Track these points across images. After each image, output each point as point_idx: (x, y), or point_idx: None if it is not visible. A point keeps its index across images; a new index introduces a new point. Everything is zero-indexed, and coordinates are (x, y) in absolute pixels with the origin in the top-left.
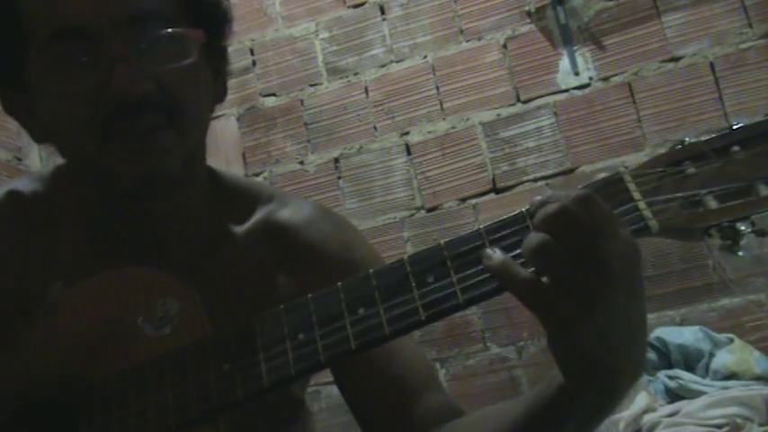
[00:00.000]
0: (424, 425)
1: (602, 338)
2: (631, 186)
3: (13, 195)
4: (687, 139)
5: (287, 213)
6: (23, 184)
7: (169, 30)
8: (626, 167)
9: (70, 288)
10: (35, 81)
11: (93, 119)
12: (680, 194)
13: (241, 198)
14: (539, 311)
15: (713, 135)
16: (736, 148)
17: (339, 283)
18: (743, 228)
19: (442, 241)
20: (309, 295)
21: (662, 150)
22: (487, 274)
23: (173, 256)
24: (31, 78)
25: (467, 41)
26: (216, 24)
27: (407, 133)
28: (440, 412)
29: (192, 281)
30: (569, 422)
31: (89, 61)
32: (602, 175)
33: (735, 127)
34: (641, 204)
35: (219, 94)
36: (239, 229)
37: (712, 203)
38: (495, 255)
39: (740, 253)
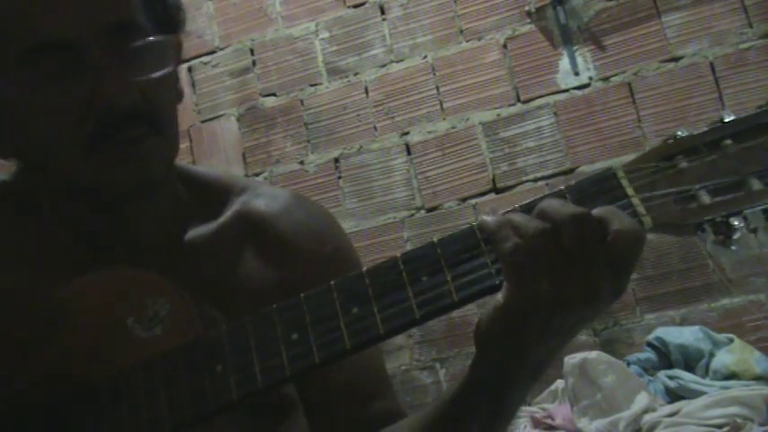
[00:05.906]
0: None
1: (546, 327)
2: (624, 182)
3: None
4: (679, 133)
5: (261, 204)
6: None
7: (151, 38)
8: None
9: (55, 290)
10: (6, 94)
11: (81, 131)
12: (673, 190)
13: (214, 192)
14: (514, 279)
15: (705, 129)
16: (728, 142)
17: (332, 282)
18: (736, 222)
19: (435, 239)
20: (302, 295)
21: (655, 145)
22: (482, 272)
23: (149, 256)
24: (1, 92)
25: (467, 41)
26: (176, 27)
27: (407, 133)
28: (385, 420)
29: (173, 279)
30: (479, 399)
31: (71, 73)
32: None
33: (726, 120)
34: (635, 200)
35: (180, 95)
36: (214, 223)
37: (705, 198)
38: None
39: (733, 248)
